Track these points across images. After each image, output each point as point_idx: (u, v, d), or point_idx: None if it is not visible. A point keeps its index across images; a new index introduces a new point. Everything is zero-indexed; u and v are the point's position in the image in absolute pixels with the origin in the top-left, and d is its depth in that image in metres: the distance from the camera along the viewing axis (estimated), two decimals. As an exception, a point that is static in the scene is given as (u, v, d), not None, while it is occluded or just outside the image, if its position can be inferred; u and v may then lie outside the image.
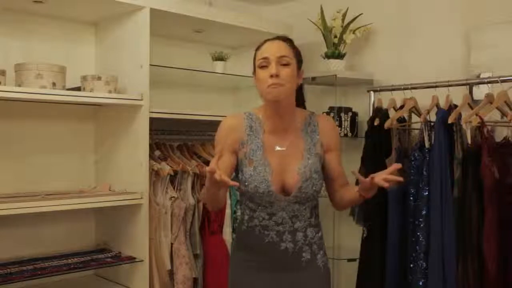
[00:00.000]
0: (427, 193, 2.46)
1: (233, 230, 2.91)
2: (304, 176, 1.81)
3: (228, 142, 1.83)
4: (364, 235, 2.75)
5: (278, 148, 1.84)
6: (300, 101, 1.94)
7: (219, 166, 1.54)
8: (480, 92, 2.64)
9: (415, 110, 2.74)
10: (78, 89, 2.56)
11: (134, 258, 2.58)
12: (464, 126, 2.40)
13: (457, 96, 2.57)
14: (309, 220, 1.87)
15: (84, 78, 2.55)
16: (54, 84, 2.36)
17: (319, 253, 1.90)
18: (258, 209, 1.84)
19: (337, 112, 3.13)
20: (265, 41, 1.84)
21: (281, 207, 1.82)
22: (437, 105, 2.63)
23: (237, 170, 1.87)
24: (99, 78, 2.52)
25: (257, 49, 1.84)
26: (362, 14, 3.16)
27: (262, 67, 1.78)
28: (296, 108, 1.90)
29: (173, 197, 2.73)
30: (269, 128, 1.86)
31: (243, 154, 1.83)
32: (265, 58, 1.77)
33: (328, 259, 1.97)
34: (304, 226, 1.86)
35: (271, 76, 1.74)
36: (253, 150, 1.82)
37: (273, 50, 1.78)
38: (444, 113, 2.48)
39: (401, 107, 2.75)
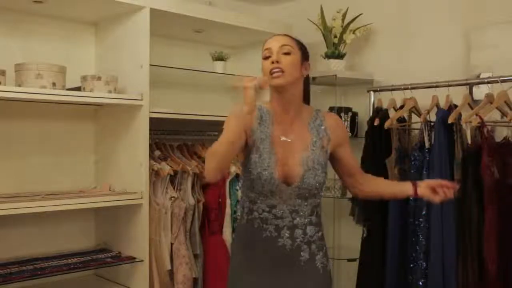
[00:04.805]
0: (427, 193, 2.46)
1: (233, 230, 2.91)
2: (306, 166, 1.84)
3: (242, 121, 1.78)
4: (364, 235, 2.75)
5: (283, 138, 1.87)
6: (305, 97, 1.97)
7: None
8: (480, 92, 2.64)
9: (415, 110, 2.74)
10: (78, 89, 2.56)
11: (134, 258, 2.58)
12: (464, 126, 2.40)
13: (457, 96, 2.57)
14: (309, 218, 1.87)
15: (84, 78, 2.55)
16: (54, 84, 2.36)
17: (318, 254, 1.89)
18: (258, 200, 1.85)
19: (337, 112, 3.13)
20: (270, 37, 1.92)
21: (282, 200, 1.83)
22: (437, 105, 2.63)
23: (244, 155, 1.89)
24: (99, 78, 2.52)
25: (263, 46, 1.91)
26: (362, 14, 3.17)
27: (266, 58, 1.86)
28: (303, 104, 1.94)
29: (173, 197, 2.73)
30: (277, 120, 1.89)
31: (252, 142, 1.85)
32: (268, 48, 1.86)
33: (329, 261, 1.95)
34: (304, 223, 1.86)
35: (272, 62, 1.82)
36: (261, 139, 1.85)
37: (275, 41, 1.87)
38: (444, 113, 2.49)
39: (401, 107, 2.75)
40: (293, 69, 1.84)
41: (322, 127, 1.92)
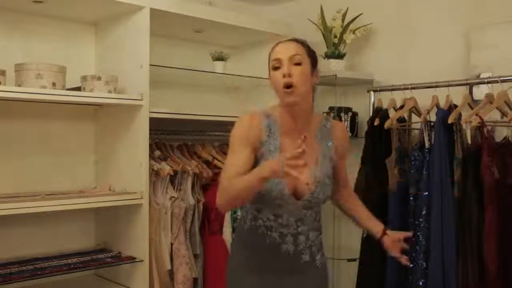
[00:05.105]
0: (427, 193, 2.46)
1: (233, 230, 2.91)
2: (317, 181, 1.81)
3: (250, 139, 1.79)
4: (364, 235, 2.75)
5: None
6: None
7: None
8: (480, 92, 2.64)
9: (415, 110, 2.74)
10: (78, 89, 2.56)
11: (134, 258, 2.58)
12: (464, 126, 2.40)
13: (457, 96, 2.57)
14: (312, 224, 1.88)
15: (84, 78, 2.55)
16: (54, 84, 2.36)
17: (318, 254, 1.90)
18: (264, 210, 1.83)
19: (337, 112, 3.13)
20: (278, 43, 1.84)
21: (289, 210, 1.81)
22: (437, 105, 2.63)
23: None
24: (99, 78, 2.52)
25: (271, 51, 1.84)
26: (362, 14, 3.17)
27: (275, 68, 1.79)
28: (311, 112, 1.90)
29: (173, 197, 2.73)
30: (285, 129, 1.84)
31: (261, 154, 1.81)
32: (277, 59, 1.78)
33: (326, 259, 1.98)
34: (307, 229, 1.86)
35: (284, 76, 1.75)
36: (270, 151, 1.80)
37: (284, 50, 1.79)
38: (444, 113, 2.48)
39: (401, 107, 2.75)
40: (305, 81, 1.77)
41: (330, 141, 1.90)
